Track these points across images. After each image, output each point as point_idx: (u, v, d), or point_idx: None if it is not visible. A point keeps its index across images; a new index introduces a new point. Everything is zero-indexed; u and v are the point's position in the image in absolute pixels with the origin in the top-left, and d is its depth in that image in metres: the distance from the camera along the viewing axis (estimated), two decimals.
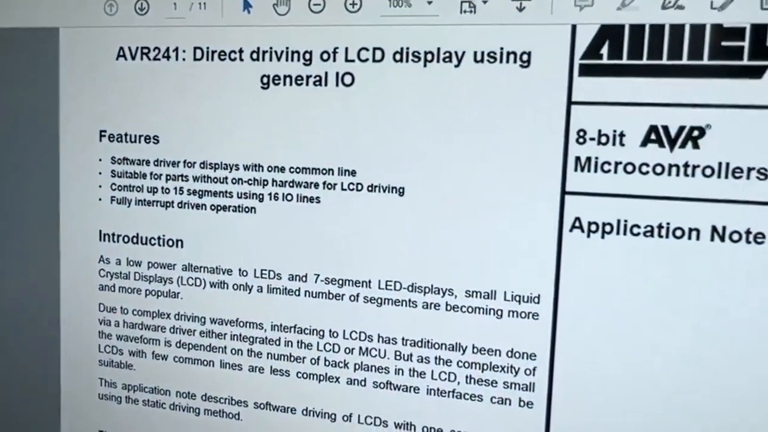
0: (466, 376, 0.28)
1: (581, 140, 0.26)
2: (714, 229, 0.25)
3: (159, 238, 0.31)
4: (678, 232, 0.25)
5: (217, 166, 0.30)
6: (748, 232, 0.24)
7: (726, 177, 0.24)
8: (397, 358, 0.28)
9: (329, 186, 0.28)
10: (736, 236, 0.25)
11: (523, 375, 0.27)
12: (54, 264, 0.32)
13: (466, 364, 0.28)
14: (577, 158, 0.26)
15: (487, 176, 0.27)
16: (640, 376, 0.26)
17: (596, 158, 0.26)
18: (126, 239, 0.31)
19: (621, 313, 0.26)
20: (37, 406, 0.34)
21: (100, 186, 0.31)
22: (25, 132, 0.32)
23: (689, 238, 0.25)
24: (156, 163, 0.31)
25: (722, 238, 0.25)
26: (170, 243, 0.31)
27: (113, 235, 0.31)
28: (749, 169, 0.24)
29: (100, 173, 0.31)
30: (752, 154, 0.24)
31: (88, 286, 0.32)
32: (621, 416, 0.26)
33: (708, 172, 0.25)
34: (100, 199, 0.31)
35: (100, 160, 0.31)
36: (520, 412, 0.27)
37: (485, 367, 0.27)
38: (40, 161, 0.32)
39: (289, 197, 0.29)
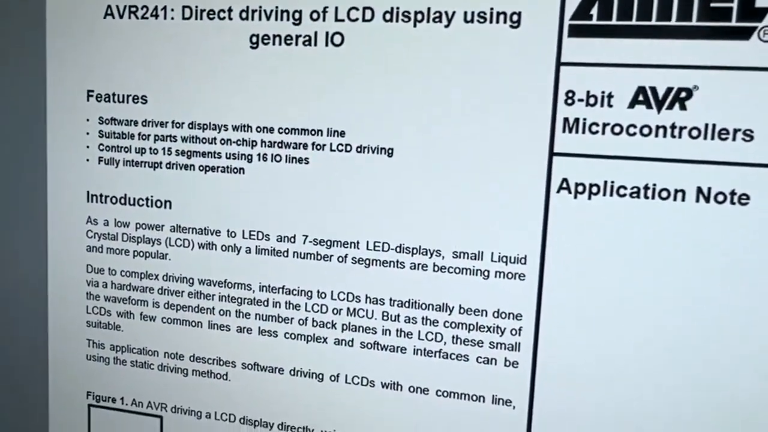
0: (453, 336, 0.28)
1: (570, 101, 0.26)
2: (699, 190, 0.25)
3: (147, 199, 0.31)
4: (664, 194, 0.25)
5: (205, 126, 0.30)
6: (732, 193, 0.25)
7: (712, 138, 0.25)
8: (385, 318, 0.29)
9: (318, 147, 0.28)
10: (720, 197, 0.25)
11: (508, 335, 0.27)
12: (41, 225, 0.32)
13: (453, 325, 0.28)
14: (566, 119, 0.26)
15: (475, 137, 0.27)
16: (624, 335, 0.26)
17: (584, 119, 0.26)
18: (114, 200, 0.31)
19: (606, 274, 0.26)
20: (24, 367, 0.34)
21: (87, 146, 0.31)
22: (12, 91, 0.32)
23: (675, 199, 0.25)
24: (144, 123, 0.30)
25: (707, 199, 0.25)
26: (158, 204, 0.31)
27: (101, 196, 0.31)
28: (735, 131, 0.24)
29: (87, 133, 0.31)
30: (738, 115, 0.24)
31: (76, 247, 0.32)
32: (605, 375, 0.27)
33: (695, 133, 0.25)
34: (87, 160, 0.31)
35: (87, 120, 0.31)
36: (506, 372, 0.28)
37: (471, 327, 0.28)
38: (26, 121, 0.32)
39: (277, 158, 0.29)
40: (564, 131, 0.26)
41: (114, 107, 0.31)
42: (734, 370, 0.25)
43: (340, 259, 0.29)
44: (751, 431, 0.25)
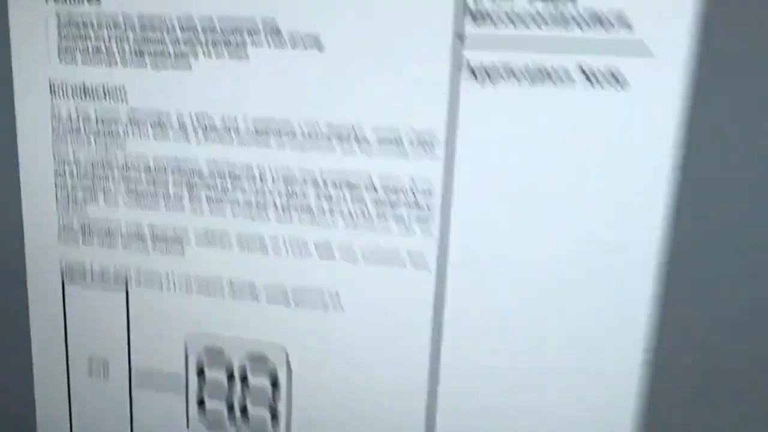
0: (378, 212, 0.32)
1: None
2: (586, 76, 0.28)
3: (105, 93, 0.34)
4: (556, 80, 0.29)
5: (154, 27, 0.33)
6: (615, 79, 0.28)
7: (596, 26, 0.28)
8: (318, 198, 0.32)
9: (251, 32, 0.32)
10: (605, 83, 0.28)
11: (425, 209, 0.31)
12: (10, 121, 0.35)
13: (377, 202, 0.32)
14: (469, 9, 0.29)
15: (384, 24, 0.30)
16: (528, 213, 0.30)
17: (488, 10, 0.29)
18: (75, 94, 0.34)
19: (507, 153, 0.30)
20: (3, 252, 0.37)
21: (48, 46, 0.34)
22: None
23: (564, 83, 0.29)
24: (99, 25, 0.33)
25: (592, 85, 0.29)
26: (115, 98, 0.34)
27: (63, 89, 0.35)
28: (617, 19, 0.28)
29: (47, 35, 0.34)
30: (619, 5, 0.28)
31: (43, 139, 0.35)
32: (511, 246, 0.31)
33: (581, 22, 0.28)
34: (49, 60, 0.34)
35: (46, 20, 0.34)
36: (424, 242, 0.32)
37: (394, 203, 0.32)
38: None
39: (219, 52, 0.32)
40: (469, 20, 0.29)
41: (70, 8, 0.33)
42: (623, 242, 0.30)
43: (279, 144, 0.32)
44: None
